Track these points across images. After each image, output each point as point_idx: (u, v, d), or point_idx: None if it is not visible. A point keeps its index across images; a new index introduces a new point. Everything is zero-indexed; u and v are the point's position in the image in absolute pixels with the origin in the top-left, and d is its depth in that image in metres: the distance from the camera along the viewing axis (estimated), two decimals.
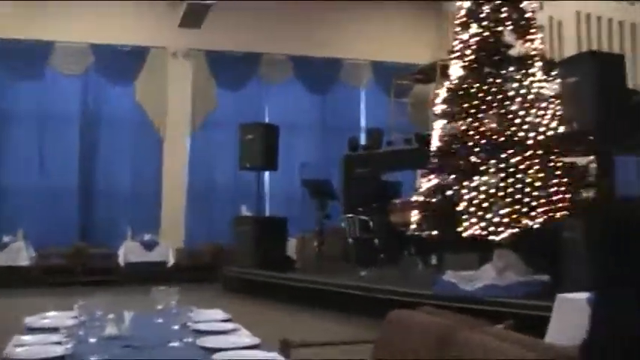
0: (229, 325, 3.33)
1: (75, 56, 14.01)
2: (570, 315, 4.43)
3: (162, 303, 3.31)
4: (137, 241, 13.18)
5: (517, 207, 7.94)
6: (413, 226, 9.15)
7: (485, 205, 8.12)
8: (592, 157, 8.00)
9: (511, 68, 8.62)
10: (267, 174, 13.81)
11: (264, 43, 14.99)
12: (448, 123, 9.03)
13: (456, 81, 9.05)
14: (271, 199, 14.71)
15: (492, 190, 8.14)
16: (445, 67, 12.83)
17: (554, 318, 4.64)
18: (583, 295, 4.42)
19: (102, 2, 13.85)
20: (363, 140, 14.78)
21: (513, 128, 8.34)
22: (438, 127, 9.22)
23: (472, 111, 8.70)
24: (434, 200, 8.84)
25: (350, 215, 11.09)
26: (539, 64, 8.72)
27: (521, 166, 8.17)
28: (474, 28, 8.94)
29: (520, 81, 8.56)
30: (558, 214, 7.77)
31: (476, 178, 8.36)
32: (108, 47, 14.06)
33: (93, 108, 14.29)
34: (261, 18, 14.98)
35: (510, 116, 8.42)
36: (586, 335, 3.59)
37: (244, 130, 11.90)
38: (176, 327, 3.03)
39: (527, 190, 8.00)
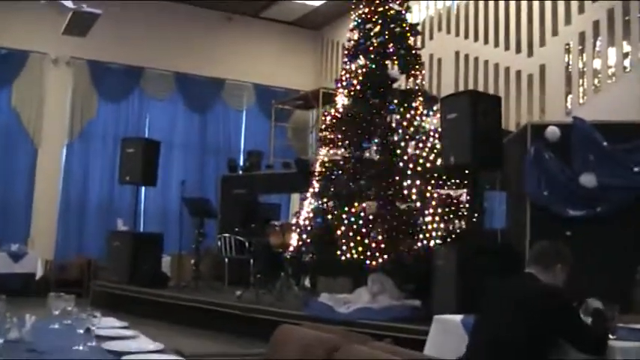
0: (128, 332, 3.38)
1: None
2: (446, 334, 4.69)
3: (59, 309, 3.32)
4: (4, 251, 12.68)
5: (393, 234, 8.25)
6: (291, 249, 9.33)
7: (363, 230, 8.39)
8: (465, 190, 8.40)
9: (395, 101, 8.99)
10: (143, 189, 13.66)
11: (148, 57, 14.94)
12: (331, 149, 9.30)
13: (341, 109, 9.32)
14: (147, 215, 14.60)
15: (370, 217, 8.43)
16: (327, 95, 13.21)
17: (431, 336, 4.89)
18: (458, 317, 4.69)
19: None
20: (242, 161, 14.91)
21: (394, 158, 8.68)
22: (321, 152, 9.46)
23: (355, 139, 9.00)
24: (313, 224, 9.06)
25: (226, 235, 11.14)
26: (420, 98, 9.13)
27: (399, 195, 8.52)
28: (362, 60, 9.27)
29: (402, 113, 8.94)
30: (432, 243, 8.12)
31: (355, 204, 8.64)
32: None
33: None
34: (146, 32, 14.93)
35: (391, 147, 8.77)
36: (465, 351, 3.88)
37: (126, 143, 11.77)
38: (80, 331, 3.04)
39: (404, 218, 8.34)
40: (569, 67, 11.00)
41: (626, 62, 10.14)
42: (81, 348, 2.90)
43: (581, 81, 10.85)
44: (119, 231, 12.23)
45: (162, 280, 11.26)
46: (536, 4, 11.40)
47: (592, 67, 10.64)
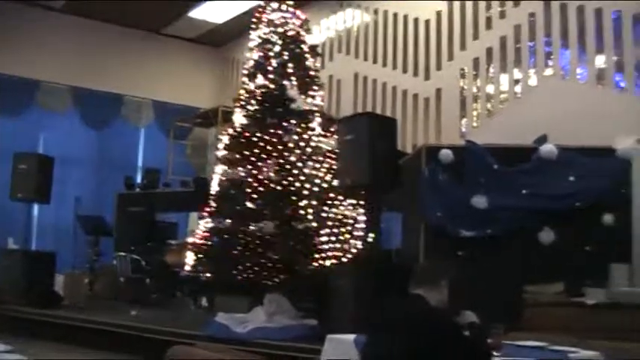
0: (12, 356, 3.30)
1: None
2: (339, 353, 4.73)
3: None
4: None
5: (290, 254, 8.29)
6: (188, 268, 9.25)
7: (259, 250, 8.40)
8: (361, 211, 8.51)
9: (292, 121, 9.05)
10: (36, 206, 13.28)
11: (44, 70, 14.57)
12: (228, 168, 9.28)
13: (239, 128, 9.32)
14: (40, 232, 14.17)
15: (267, 237, 8.45)
16: (227, 113, 13.18)
17: (323, 356, 4.93)
18: (350, 337, 4.74)
19: None
20: (139, 179, 14.69)
21: (290, 178, 8.74)
22: (218, 171, 9.43)
23: (252, 159, 9.01)
24: (210, 243, 9.01)
25: (122, 254, 10.95)
26: (319, 119, 9.22)
27: (296, 215, 8.56)
28: (260, 80, 9.30)
29: (300, 134, 9.01)
30: (328, 262, 8.19)
31: (252, 223, 8.64)
32: None
33: None
34: (43, 45, 14.57)
35: (288, 167, 8.81)
36: None
37: (18, 159, 11.44)
38: None
39: (301, 238, 8.38)
40: (464, 91, 11.31)
41: (517, 88, 10.49)
42: None
43: (475, 105, 11.17)
44: (9, 249, 11.84)
45: (55, 299, 10.94)
46: (432, 29, 11.69)
47: (485, 92, 10.98)
